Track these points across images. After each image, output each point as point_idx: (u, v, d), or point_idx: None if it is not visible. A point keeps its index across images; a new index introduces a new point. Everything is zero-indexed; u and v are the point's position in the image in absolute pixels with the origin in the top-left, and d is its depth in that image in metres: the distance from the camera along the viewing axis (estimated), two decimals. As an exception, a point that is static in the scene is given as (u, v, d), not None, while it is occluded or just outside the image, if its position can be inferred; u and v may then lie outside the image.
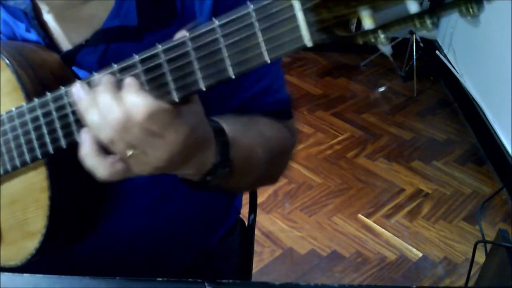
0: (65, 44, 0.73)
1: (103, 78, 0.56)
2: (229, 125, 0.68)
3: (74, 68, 0.72)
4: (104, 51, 0.71)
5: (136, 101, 0.53)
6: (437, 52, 3.14)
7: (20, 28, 0.73)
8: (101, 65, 0.71)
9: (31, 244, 0.70)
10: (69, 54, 0.72)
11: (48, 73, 0.68)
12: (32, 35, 0.72)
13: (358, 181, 2.38)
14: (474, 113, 2.74)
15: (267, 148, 0.77)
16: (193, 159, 0.61)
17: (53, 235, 0.70)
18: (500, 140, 2.48)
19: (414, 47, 3.02)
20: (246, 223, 1.13)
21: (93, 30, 0.71)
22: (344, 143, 2.63)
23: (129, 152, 0.56)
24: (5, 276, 0.71)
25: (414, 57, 3.02)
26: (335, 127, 2.74)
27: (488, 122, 2.60)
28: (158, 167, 0.58)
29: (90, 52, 0.71)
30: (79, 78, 0.59)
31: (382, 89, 3.12)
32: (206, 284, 0.71)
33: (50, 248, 0.72)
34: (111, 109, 0.54)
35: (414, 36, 3.02)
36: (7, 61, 0.66)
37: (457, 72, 2.96)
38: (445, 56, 3.11)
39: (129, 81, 0.55)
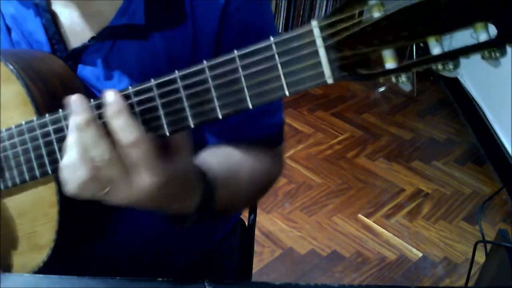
0: (73, 40, 0.73)
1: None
2: (216, 174, 0.69)
3: (79, 65, 0.73)
4: (109, 49, 0.72)
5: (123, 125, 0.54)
6: (437, 52, 3.14)
7: (28, 22, 0.73)
8: (105, 63, 0.72)
9: (39, 257, 0.70)
10: (75, 52, 0.72)
11: (57, 83, 0.68)
12: (38, 27, 0.72)
13: (358, 181, 2.38)
14: (474, 113, 2.74)
15: (252, 187, 0.79)
16: (170, 206, 0.63)
17: (61, 248, 0.70)
18: (500, 140, 2.48)
19: (414, 47, 3.02)
20: (246, 223, 1.13)
21: (99, 27, 0.71)
22: (344, 143, 2.63)
23: (105, 191, 0.56)
24: (5, 276, 0.71)
25: (414, 57, 3.02)
26: (335, 127, 2.74)
27: (488, 122, 2.60)
28: (125, 203, 0.58)
29: (96, 50, 0.72)
30: (87, 87, 0.59)
31: (382, 89, 3.12)
32: (206, 284, 0.71)
33: (58, 259, 0.72)
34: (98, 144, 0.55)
35: (414, 36, 3.02)
36: (17, 74, 0.65)
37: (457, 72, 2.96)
38: (445, 56, 3.11)
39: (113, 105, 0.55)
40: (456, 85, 2.96)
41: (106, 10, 0.71)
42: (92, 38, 0.72)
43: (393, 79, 0.46)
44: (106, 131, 0.55)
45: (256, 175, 0.80)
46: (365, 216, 2.19)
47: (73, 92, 0.60)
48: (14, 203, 0.71)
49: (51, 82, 0.67)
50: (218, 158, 0.74)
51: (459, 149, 2.64)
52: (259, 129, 0.82)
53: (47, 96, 0.66)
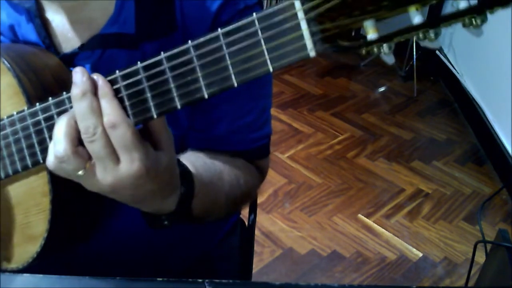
0: (64, 46, 0.73)
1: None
2: (201, 177, 0.69)
3: (71, 68, 0.72)
4: (99, 57, 0.72)
5: (108, 108, 0.55)
6: (437, 52, 3.14)
7: (22, 27, 0.73)
8: (94, 70, 0.72)
9: (33, 248, 0.70)
10: (66, 58, 0.72)
11: (49, 76, 0.68)
12: (31, 32, 0.73)
13: (358, 181, 2.38)
14: (474, 113, 2.74)
15: (232, 196, 0.79)
16: (149, 202, 0.63)
17: (54, 239, 0.70)
18: (500, 140, 2.48)
19: (414, 47, 3.02)
20: (246, 223, 1.13)
21: (90, 34, 0.71)
22: (344, 143, 2.63)
23: (80, 172, 0.57)
24: (5, 276, 0.71)
25: (414, 57, 3.03)
26: (335, 127, 2.74)
27: (488, 122, 2.60)
28: (101, 190, 0.59)
29: (86, 57, 0.72)
30: None
31: (382, 89, 3.12)
32: (206, 284, 0.71)
33: (52, 251, 0.72)
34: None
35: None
36: (9, 65, 0.65)
37: (457, 72, 2.96)
38: (445, 56, 3.11)
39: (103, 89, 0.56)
40: (456, 85, 2.96)
41: (97, 18, 0.71)
42: (82, 45, 0.72)
43: (375, 50, 0.46)
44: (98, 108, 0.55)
45: (238, 184, 0.80)
46: (365, 216, 2.19)
47: (65, 85, 0.60)
48: (8, 194, 0.71)
49: (43, 75, 0.68)
50: (202, 161, 0.74)
51: (459, 149, 2.64)
52: (247, 143, 0.82)
53: (39, 88, 0.66)
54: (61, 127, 0.56)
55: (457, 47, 3.03)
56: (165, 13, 0.71)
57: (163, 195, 0.63)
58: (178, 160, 0.66)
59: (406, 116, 2.86)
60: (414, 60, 3.03)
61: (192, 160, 0.72)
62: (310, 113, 2.83)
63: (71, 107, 0.59)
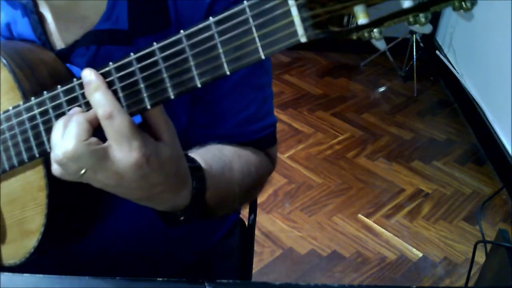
0: (59, 43, 0.74)
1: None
2: (211, 167, 0.69)
3: (67, 65, 0.73)
4: (94, 53, 0.72)
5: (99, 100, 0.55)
6: (437, 52, 3.14)
7: (18, 23, 0.73)
8: (89, 67, 0.72)
9: (30, 243, 0.70)
10: (61, 54, 0.72)
11: (45, 72, 0.68)
12: (27, 28, 0.73)
13: (358, 181, 2.38)
14: (474, 113, 2.74)
15: (246, 181, 0.78)
16: (160, 197, 0.62)
17: (51, 234, 0.70)
18: (500, 140, 2.48)
19: (414, 47, 3.02)
20: (246, 223, 1.13)
21: (84, 31, 0.72)
22: (344, 143, 2.63)
23: (82, 171, 0.57)
24: (5, 276, 0.71)
25: (414, 57, 3.02)
26: (335, 127, 2.74)
27: (488, 122, 2.60)
28: (106, 185, 0.58)
29: (81, 54, 0.72)
30: (75, 77, 0.59)
31: (382, 89, 3.12)
32: (206, 284, 0.71)
33: (49, 246, 0.72)
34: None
35: (414, 36, 3.02)
36: (4, 61, 0.66)
37: (457, 72, 2.96)
38: (445, 56, 3.11)
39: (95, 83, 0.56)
40: (456, 85, 2.96)
41: (90, 16, 0.71)
42: (76, 41, 0.72)
43: (366, 35, 0.46)
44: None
45: (249, 172, 0.79)
46: (365, 216, 2.19)
47: (61, 81, 0.60)
48: (4, 190, 0.71)
49: (38, 70, 0.68)
50: (211, 153, 0.74)
51: (459, 149, 2.64)
52: (251, 134, 0.82)
53: (34, 83, 0.66)
54: (73, 127, 0.56)
55: (457, 47, 3.03)
56: (158, 9, 0.72)
57: (173, 190, 0.62)
58: (187, 155, 0.66)
59: (406, 116, 2.86)
60: (414, 60, 3.02)
61: (201, 153, 0.71)
62: (310, 113, 2.83)
63: (65, 101, 0.59)
